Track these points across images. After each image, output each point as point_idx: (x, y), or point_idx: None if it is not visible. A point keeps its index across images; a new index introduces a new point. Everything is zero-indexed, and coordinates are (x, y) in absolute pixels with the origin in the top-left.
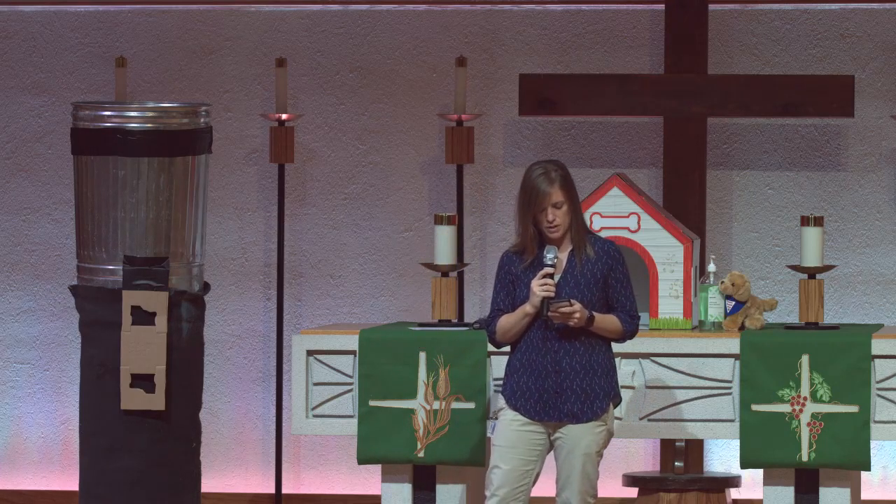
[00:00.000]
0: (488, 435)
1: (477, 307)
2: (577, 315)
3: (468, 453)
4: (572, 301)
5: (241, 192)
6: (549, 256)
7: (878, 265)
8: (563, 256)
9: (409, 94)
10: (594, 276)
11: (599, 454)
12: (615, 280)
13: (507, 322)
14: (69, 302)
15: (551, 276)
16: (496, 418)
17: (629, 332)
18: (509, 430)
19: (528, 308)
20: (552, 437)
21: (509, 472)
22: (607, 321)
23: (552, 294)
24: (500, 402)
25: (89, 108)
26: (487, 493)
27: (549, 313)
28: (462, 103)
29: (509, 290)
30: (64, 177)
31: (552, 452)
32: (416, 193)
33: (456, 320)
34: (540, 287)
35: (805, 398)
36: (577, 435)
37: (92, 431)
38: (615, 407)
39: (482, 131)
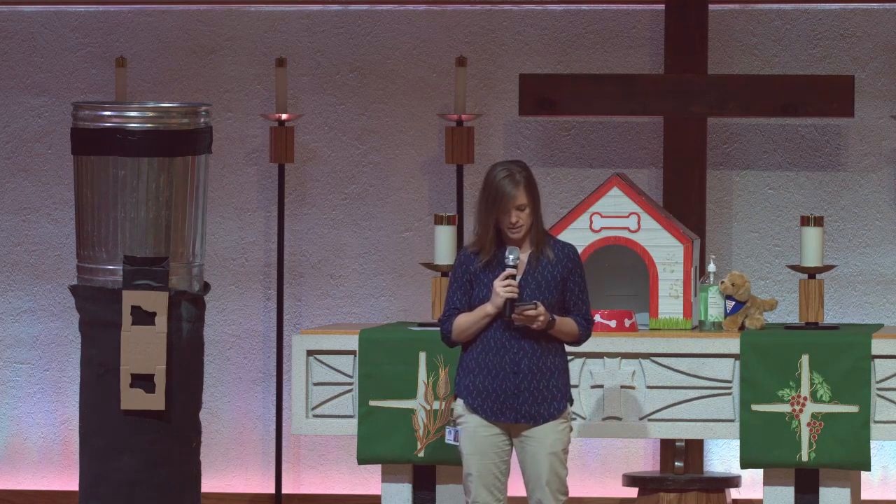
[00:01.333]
0: (446, 441)
1: None
2: (542, 318)
3: None
4: (537, 304)
5: (241, 192)
6: (511, 257)
7: (878, 265)
8: (524, 258)
9: (409, 94)
10: (554, 279)
11: (565, 451)
12: (573, 283)
13: (466, 321)
14: (69, 302)
15: (514, 276)
16: (455, 425)
17: (584, 336)
18: (475, 437)
19: (489, 308)
20: (514, 439)
21: (483, 476)
22: (566, 324)
23: (515, 295)
24: (459, 408)
25: (89, 108)
26: (468, 500)
27: (514, 315)
28: (462, 103)
29: (466, 289)
30: (64, 177)
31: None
32: (416, 193)
33: None
34: (503, 288)
35: (805, 398)
36: (541, 435)
37: (92, 431)
38: (570, 407)
39: (482, 131)
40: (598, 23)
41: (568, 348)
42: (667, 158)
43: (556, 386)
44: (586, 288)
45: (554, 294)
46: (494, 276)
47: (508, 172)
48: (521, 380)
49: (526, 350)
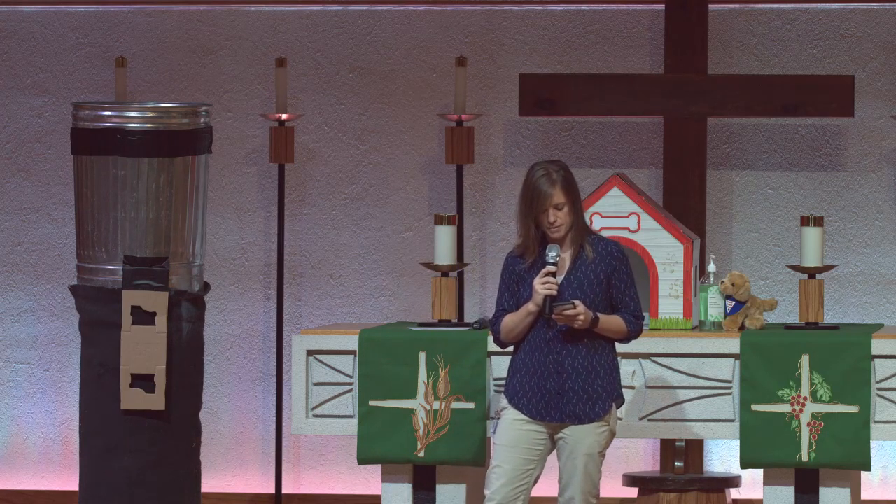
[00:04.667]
0: (489, 435)
1: (477, 307)
2: (582, 317)
3: (468, 453)
4: (576, 303)
5: (241, 192)
6: (551, 255)
7: (878, 265)
8: (566, 256)
9: (409, 94)
10: (597, 277)
11: (602, 454)
12: (619, 280)
13: (511, 321)
14: (69, 302)
15: (553, 274)
16: (498, 417)
17: (634, 333)
18: (511, 429)
19: (530, 306)
20: (555, 437)
21: (510, 471)
22: (612, 322)
23: (554, 292)
24: (503, 401)
25: (89, 108)
26: (487, 493)
27: (554, 315)
28: (462, 103)
29: (514, 290)
30: (64, 177)
31: (553, 453)
32: (416, 193)
33: (456, 320)
34: (542, 285)
35: (805, 398)
36: (580, 435)
37: (92, 431)
38: (618, 408)
39: (482, 131)
40: (598, 23)
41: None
42: (667, 158)
43: (601, 386)
44: (633, 284)
45: (597, 292)
46: (538, 275)
47: (545, 172)
48: (564, 379)
49: (569, 349)
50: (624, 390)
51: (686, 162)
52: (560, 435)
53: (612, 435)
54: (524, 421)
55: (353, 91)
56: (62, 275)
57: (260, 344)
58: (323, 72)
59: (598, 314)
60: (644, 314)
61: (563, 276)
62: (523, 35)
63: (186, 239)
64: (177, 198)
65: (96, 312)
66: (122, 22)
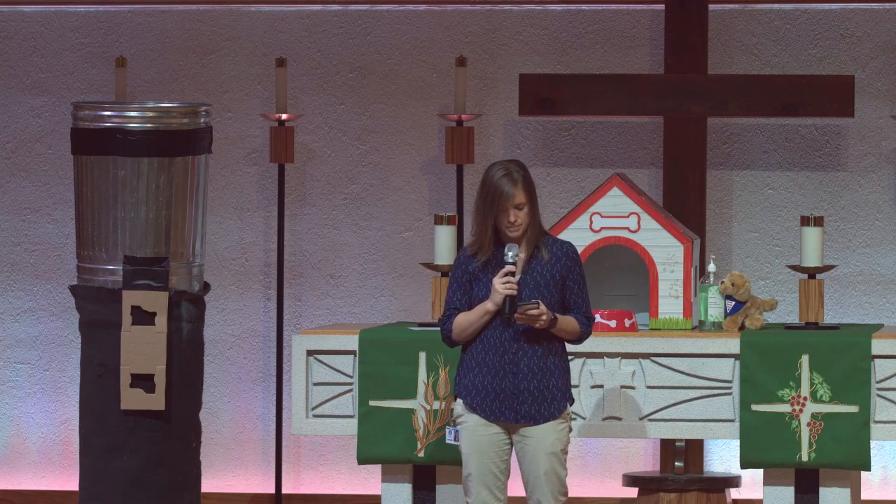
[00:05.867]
0: (447, 441)
1: None
2: (544, 317)
3: None
4: (539, 302)
5: (241, 192)
6: (510, 255)
7: (878, 265)
8: (522, 256)
9: (409, 94)
10: (553, 277)
11: (565, 451)
12: (573, 282)
13: (466, 320)
14: (69, 302)
15: (513, 274)
16: (455, 425)
17: (585, 334)
18: (475, 436)
19: (489, 306)
20: (513, 438)
21: (483, 476)
22: (567, 322)
23: (515, 292)
24: (458, 408)
25: (89, 108)
26: (469, 501)
27: (516, 315)
28: (462, 103)
29: (466, 289)
30: (64, 177)
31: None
32: (416, 193)
33: None
34: (502, 285)
35: (805, 398)
36: (541, 435)
37: (92, 431)
38: (570, 407)
39: (482, 131)
40: (598, 23)
41: (568, 347)
42: (667, 158)
43: (556, 386)
44: (586, 286)
45: (553, 293)
46: (494, 275)
47: (506, 171)
48: (520, 380)
49: (525, 349)
50: (624, 390)
51: (686, 162)
52: (518, 437)
53: (570, 431)
54: (484, 425)
55: (353, 91)
56: (62, 275)
57: (260, 344)
58: (323, 72)
59: (557, 315)
60: (636, 314)
61: (518, 276)
62: (523, 35)
63: (186, 239)
64: (177, 198)
65: (96, 312)
66: (122, 22)
